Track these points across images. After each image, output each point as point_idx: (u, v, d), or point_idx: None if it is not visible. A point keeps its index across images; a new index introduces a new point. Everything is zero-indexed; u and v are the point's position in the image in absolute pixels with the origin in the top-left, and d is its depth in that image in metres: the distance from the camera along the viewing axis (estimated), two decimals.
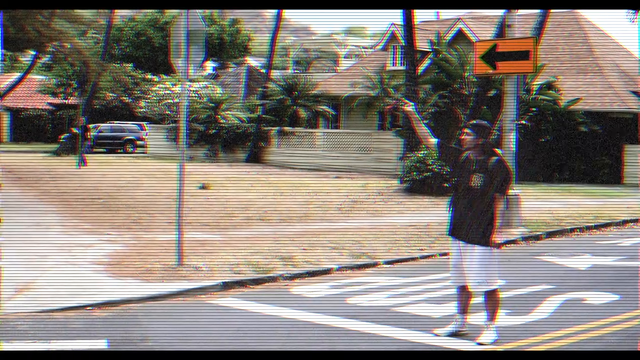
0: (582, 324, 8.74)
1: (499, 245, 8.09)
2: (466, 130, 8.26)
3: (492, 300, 8.18)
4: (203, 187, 23.68)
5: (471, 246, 8.14)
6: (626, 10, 32.85)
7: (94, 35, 55.44)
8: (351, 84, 40.21)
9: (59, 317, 9.00)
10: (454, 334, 8.33)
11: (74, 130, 36.30)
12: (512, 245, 15.02)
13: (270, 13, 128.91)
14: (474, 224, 8.10)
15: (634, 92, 33.33)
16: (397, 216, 18.86)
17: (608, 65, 35.41)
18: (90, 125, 45.45)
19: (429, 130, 8.68)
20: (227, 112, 42.72)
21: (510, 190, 8.22)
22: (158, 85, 49.95)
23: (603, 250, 14.60)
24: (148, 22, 65.42)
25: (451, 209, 8.38)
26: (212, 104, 42.90)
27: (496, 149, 8.40)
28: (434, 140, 8.64)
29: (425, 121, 30.73)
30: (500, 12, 21.23)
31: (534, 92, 30.95)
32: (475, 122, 8.42)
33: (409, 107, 8.64)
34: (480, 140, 8.20)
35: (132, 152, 49.84)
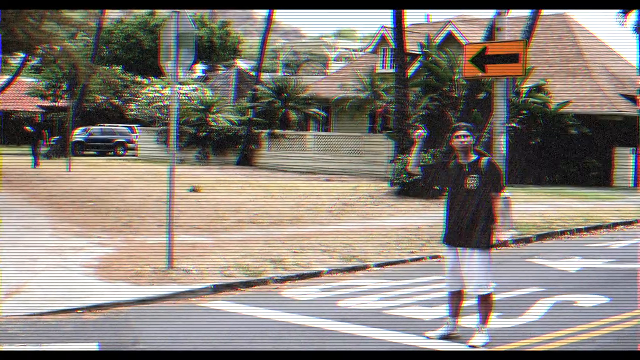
0: (573, 327, 8.75)
1: (505, 243, 8.23)
2: (463, 132, 8.25)
3: (486, 303, 8.19)
4: (193, 190, 23.65)
5: (471, 250, 8.15)
6: (616, 13, 33.01)
7: (83, 37, 55.31)
8: (340, 85, 40.25)
9: (49, 320, 8.97)
10: (446, 337, 8.33)
11: (28, 128, 35.57)
12: (502, 247, 15.03)
13: (261, 15, 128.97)
14: (473, 227, 8.11)
15: (624, 95, 33.43)
16: (388, 219, 18.86)
17: (597, 68, 35.53)
18: (76, 126, 45.20)
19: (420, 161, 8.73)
20: (217, 115, 42.67)
21: (504, 190, 8.27)
22: (148, 88, 49.87)
23: (593, 253, 14.64)
24: (138, 24, 65.34)
25: (446, 216, 8.38)
26: (203, 107, 42.86)
27: (488, 155, 8.44)
28: (417, 167, 8.68)
29: (416, 123, 30.81)
30: (490, 15, 21.27)
31: (524, 95, 31.02)
32: (465, 123, 8.47)
33: (422, 132, 8.64)
34: (473, 140, 8.27)
35: (123, 154, 49.73)
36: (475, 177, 8.15)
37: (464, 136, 8.23)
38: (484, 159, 8.22)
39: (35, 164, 33.47)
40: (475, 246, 8.12)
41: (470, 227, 8.13)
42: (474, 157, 8.25)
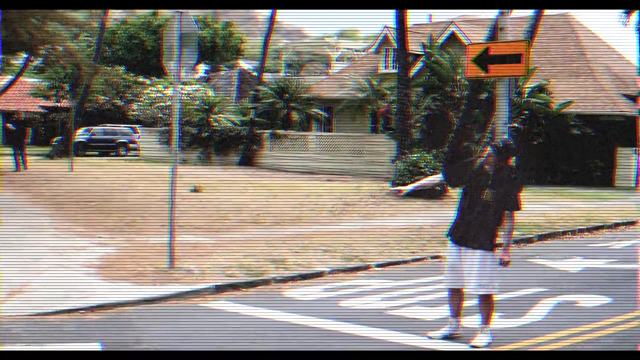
0: (576, 327, 8.76)
1: (506, 263, 8.12)
2: (488, 149, 8.20)
3: (487, 303, 8.18)
4: (195, 190, 23.65)
5: (473, 250, 8.15)
6: (618, 13, 33.00)
7: (86, 38, 55.35)
8: (340, 84, 40.26)
9: (52, 320, 8.98)
10: (448, 337, 8.33)
11: (10, 126, 34.32)
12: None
13: (263, 15, 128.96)
14: (480, 233, 8.11)
15: (626, 95, 33.41)
16: (389, 219, 18.86)
17: (600, 68, 35.50)
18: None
19: (432, 177, 8.69)
20: (219, 115, 42.68)
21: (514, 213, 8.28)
22: (150, 88, 49.87)
23: (595, 253, 14.65)
24: (141, 25, 65.37)
25: (457, 214, 8.36)
26: (205, 107, 42.88)
27: (513, 166, 8.33)
28: (439, 177, 8.69)
29: (417, 124, 30.83)
30: (492, 15, 21.28)
31: (526, 95, 31.00)
32: (500, 142, 8.28)
33: (410, 187, 8.69)
34: (502, 162, 8.16)
35: (125, 155, 49.73)
36: (493, 192, 8.12)
37: (488, 154, 8.17)
38: (511, 177, 8.19)
39: (17, 166, 31.27)
40: (479, 247, 8.11)
41: (477, 233, 8.13)
42: (500, 172, 8.18)
